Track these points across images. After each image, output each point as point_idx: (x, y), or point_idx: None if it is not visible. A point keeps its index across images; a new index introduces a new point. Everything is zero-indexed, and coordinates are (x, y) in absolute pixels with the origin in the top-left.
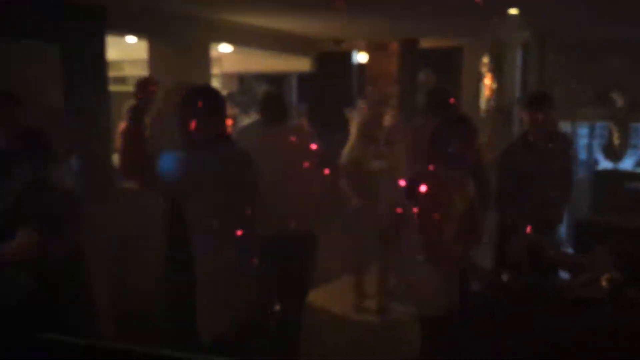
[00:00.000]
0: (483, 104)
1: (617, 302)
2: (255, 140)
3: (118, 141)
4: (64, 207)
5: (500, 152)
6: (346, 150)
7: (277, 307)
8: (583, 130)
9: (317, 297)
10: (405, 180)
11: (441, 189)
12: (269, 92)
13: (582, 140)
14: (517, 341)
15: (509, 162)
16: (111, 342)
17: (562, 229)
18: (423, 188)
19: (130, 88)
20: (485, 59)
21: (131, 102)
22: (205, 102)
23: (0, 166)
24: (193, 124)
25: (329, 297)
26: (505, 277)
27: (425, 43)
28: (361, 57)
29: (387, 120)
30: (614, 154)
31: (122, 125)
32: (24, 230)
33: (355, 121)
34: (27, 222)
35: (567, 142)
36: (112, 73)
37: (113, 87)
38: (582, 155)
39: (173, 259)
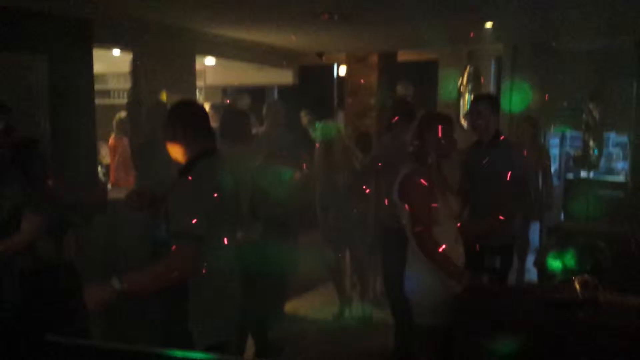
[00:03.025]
0: (463, 114)
1: (590, 304)
2: None
3: (107, 153)
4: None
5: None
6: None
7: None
8: (555, 140)
9: (299, 305)
10: (398, 180)
11: (432, 186)
12: None
13: (554, 150)
14: (498, 341)
15: (464, 162)
16: (112, 342)
17: (535, 235)
18: (415, 185)
19: (114, 101)
20: (466, 72)
21: (120, 114)
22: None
23: None
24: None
25: (311, 305)
26: (486, 279)
27: (403, 56)
28: (342, 70)
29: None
30: (587, 162)
31: (111, 139)
32: (29, 214)
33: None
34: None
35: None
36: (96, 86)
37: (98, 100)
38: (554, 164)
39: None
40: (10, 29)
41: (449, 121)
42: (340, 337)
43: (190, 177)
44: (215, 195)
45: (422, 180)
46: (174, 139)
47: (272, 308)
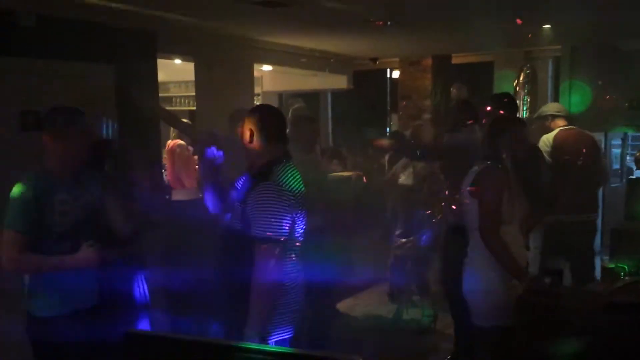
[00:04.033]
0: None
1: None
2: None
3: (166, 158)
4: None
5: None
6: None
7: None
8: (616, 141)
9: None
10: (471, 176)
11: (506, 184)
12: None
13: (615, 150)
14: (560, 343)
15: None
16: (189, 335)
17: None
18: (490, 181)
19: (175, 108)
20: (523, 73)
21: (184, 120)
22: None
23: (77, 179)
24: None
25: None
26: (548, 281)
27: (457, 58)
28: (395, 74)
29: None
30: None
31: (170, 143)
32: (87, 246)
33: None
34: (91, 236)
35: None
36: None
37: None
38: (616, 164)
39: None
40: (80, 41)
41: (522, 123)
42: (396, 336)
43: (273, 181)
44: (294, 199)
45: (497, 177)
46: (254, 142)
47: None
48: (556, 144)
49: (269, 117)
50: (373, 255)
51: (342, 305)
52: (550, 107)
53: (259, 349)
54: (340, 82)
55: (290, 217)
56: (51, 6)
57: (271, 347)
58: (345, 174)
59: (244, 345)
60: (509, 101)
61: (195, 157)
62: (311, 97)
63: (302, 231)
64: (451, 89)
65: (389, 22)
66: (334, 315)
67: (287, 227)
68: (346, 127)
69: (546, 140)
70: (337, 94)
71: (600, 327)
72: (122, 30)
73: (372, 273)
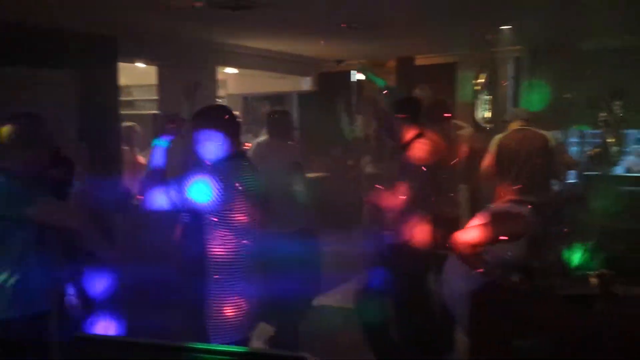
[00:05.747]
0: (480, 116)
1: (606, 297)
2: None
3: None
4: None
5: None
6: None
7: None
8: (574, 138)
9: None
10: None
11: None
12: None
13: (574, 148)
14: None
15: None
16: (143, 339)
17: None
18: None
19: (137, 112)
20: (483, 75)
21: (128, 124)
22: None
23: (27, 189)
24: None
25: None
26: (516, 278)
27: (421, 60)
28: (359, 75)
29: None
30: (607, 160)
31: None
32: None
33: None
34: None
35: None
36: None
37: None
38: None
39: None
40: (40, 48)
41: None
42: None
43: (220, 176)
44: (241, 192)
45: (519, 223)
46: (209, 140)
47: (303, 300)
48: (500, 144)
49: (221, 117)
50: (348, 254)
51: (316, 301)
52: (507, 114)
53: (207, 348)
54: (305, 84)
55: (218, 195)
56: (10, 12)
57: (219, 346)
58: (315, 174)
59: (192, 346)
60: (412, 107)
61: (143, 161)
62: (277, 100)
63: (249, 221)
64: (415, 90)
65: (353, 25)
66: (309, 310)
67: (195, 201)
68: (312, 128)
69: (495, 141)
70: (302, 96)
71: (553, 319)
72: (82, 36)
73: (346, 271)
